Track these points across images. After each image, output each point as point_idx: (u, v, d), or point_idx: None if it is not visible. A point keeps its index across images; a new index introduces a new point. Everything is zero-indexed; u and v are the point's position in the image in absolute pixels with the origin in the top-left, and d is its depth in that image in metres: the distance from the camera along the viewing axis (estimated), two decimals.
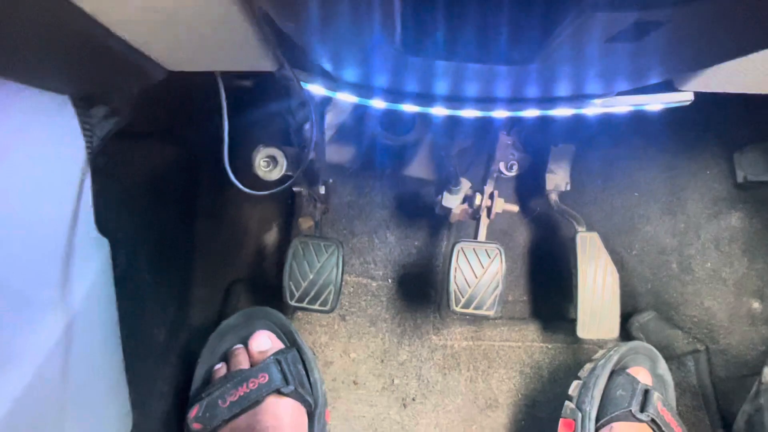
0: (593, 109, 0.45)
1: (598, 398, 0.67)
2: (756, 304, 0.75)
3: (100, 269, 0.53)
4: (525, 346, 0.85)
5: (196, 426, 0.63)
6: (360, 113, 0.79)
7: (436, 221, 0.90)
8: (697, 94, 0.46)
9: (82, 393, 0.53)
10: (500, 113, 0.45)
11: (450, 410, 0.81)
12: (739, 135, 0.75)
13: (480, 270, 0.71)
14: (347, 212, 0.90)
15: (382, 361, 0.84)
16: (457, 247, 0.72)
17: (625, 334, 0.80)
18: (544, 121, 0.71)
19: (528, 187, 0.89)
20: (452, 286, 0.71)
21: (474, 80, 0.37)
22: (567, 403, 0.69)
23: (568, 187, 0.82)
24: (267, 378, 0.63)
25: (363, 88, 0.44)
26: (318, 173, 0.69)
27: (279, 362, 0.65)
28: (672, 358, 0.79)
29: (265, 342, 0.69)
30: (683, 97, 0.45)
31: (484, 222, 0.75)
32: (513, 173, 0.85)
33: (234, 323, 0.72)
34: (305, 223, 0.84)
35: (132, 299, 0.66)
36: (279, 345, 0.69)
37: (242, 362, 0.67)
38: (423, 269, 0.89)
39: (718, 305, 0.76)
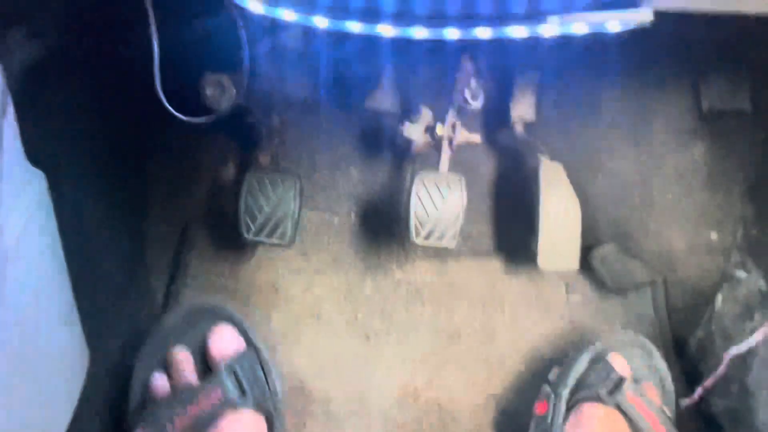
0: (549, 28, 0.43)
1: (573, 382, 0.67)
2: (714, 235, 0.75)
3: (35, 203, 0.50)
4: (488, 279, 0.85)
5: None
6: (314, 40, 0.75)
7: (400, 155, 0.88)
8: (661, 20, 0.44)
9: (28, 333, 0.51)
10: (451, 33, 0.43)
11: (413, 344, 0.82)
12: (704, 63, 0.74)
13: (441, 201, 0.70)
14: (308, 146, 0.87)
15: (346, 296, 0.84)
16: (418, 178, 0.71)
17: (587, 266, 0.81)
18: (507, 46, 0.68)
19: (493, 118, 0.87)
20: (413, 219, 0.70)
21: None
22: (544, 386, 0.70)
23: (534, 118, 0.80)
24: (221, 394, 0.57)
25: (302, 4, 0.41)
26: (271, 105, 0.66)
27: (233, 371, 0.59)
28: (630, 288, 0.81)
29: (227, 338, 0.62)
30: (642, 15, 0.42)
31: (445, 152, 0.74)
32: (478, 103, 0.82)
33: (175, 322, 0.65)
34: (263, 159, 0.81)
35: (81, 234, 0.64)
36: (240, 343, 0.63)
37: (186, 369, 0.60)
38: (387, 204, 0.88)
39: (678, 236, 0.76)
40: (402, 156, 0.88)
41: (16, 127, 0.46)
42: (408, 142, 0.74)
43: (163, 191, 0.80)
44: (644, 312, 0.81)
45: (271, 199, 0.68)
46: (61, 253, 0.56)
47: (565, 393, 0.66)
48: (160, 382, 0.60)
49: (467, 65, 0.71)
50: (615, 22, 0.43)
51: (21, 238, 0.48)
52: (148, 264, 0.77)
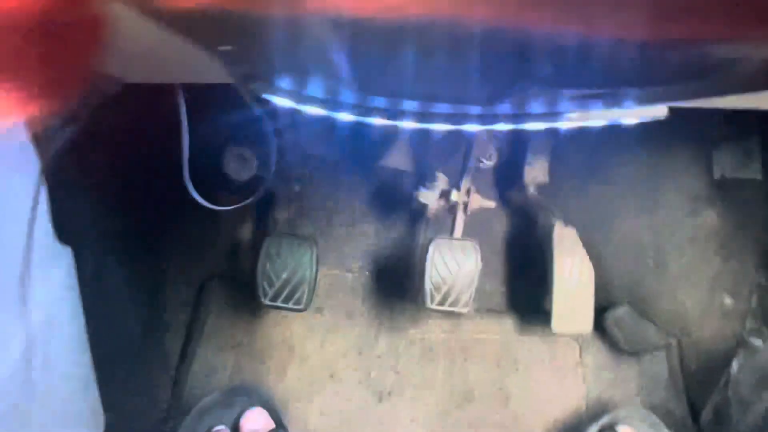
0: (567, 124, 0.44)
1: None
2: (728, 300, 0.75)
3: (63, 278, 0.51)
4: (502, 338, 0.85)
5: None
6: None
7: (414, 213, 0.89)
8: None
9: (48, 402, 0.52)
10: (472, 127, 0.44)
11: (427, 403, 0.82)
12: (717, 132, 0.75)
13: (455, 267, 0.71)
14: (325, 203, 0.88)
15: (359, 354, 0.84)
16: (433, 244, 0.71)
17: (600, 329, 0.81)
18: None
19: (506, 178, 0.88)
20: (427, 284, 0.70)
21: (442, 105, 0.35)
22: None
23: (547, 180, 0.81)
24: None
25: (328, 103, 0.42)
26: (291, 172, 0.67)
27: None
28: (645, 351, 0.80)
29: (258, 421, 0.68)
30: (657, 111, 0.44)
31: (460, 218, 0.75)
32: (491, 164, 0.84)
33: (215, 401, 0.70)
34: (281, 217, 0.83)
35: (103, 302, 0.65)
36: (269, 424, 0.68)
37: None
38: (400, 261, 0.88)
39: (692, 300, 0.76)
40: (415, 215, 0.89)
41: (47, 209, 0.47)
42: (423, 206, 0.75)
43: (181, 252, 0.81)
44: (659, 375, 0.81)
45: (289, 265, 0.70)
46: (83, 321, 0.57)
47: None
48: None
49: (483, 134, 0.72)
50: (631, 118, 0.44)
51: (48, 314, 0.49)
52: (165, 324, 0.78)
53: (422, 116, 0.43)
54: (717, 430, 0.76)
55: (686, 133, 0.76)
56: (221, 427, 0.68)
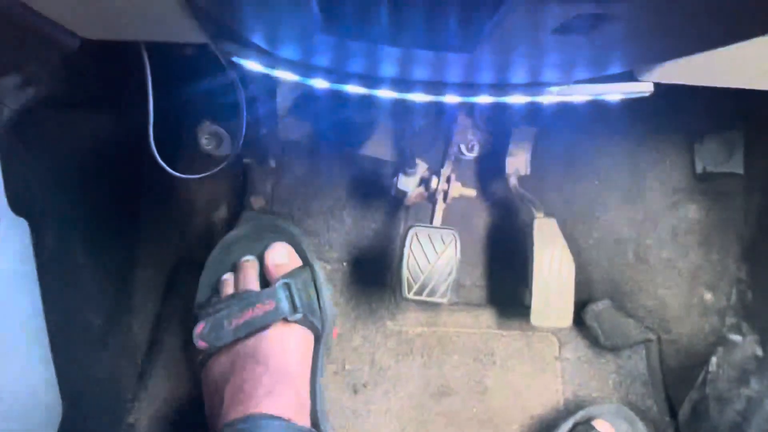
0: (549, 98, 0.43)
1: None
2: (708, 295, 0.75)
3: (15, 253, 0.48)
4: (480, 332, 0.83)
5: (201, 344, 0.62)
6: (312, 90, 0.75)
7: (393, 203, 0.87)
8: (657, 84, 0.44)
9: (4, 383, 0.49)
10: (451, 98, 0.42)
11: (402, 396, 0.80)
12: (699, 125, 0.74)
13: (434, 256, 0.69)
14: (302, 191, 0.86)
15: (335, 345, 0.82)
16: (411, 231, 0.70)
17: (580, 323, 0.80)
18: (504, 103, 0.68)
19: (488, 169, 0.87)
20: (404, 273, 0.69)
21: (416, 64, 0.34)
22: None
23: (528, 171, 0.80)
24: (274, 305, 0.62)
25: (303, 67, 0.40)
26: (267, 148, 0.65)
27: (288, 287, 0.63)
28: (624, 346, 0.79)
29: (282, 255, 0.67)
30: (643, 87, 0.43)
31: (440, 206, 0.73)
32: (474, 154, 0.82)
33: (242, 234, 0.69)
34: (257, 203, 0.80)
35: (63, 283, 0.62)
36: (295, 259, 0.67)
37: (251, 276, 0.65)
38: (379, 252, 0.86)
39: (672, 295, 0.76)
40: (395, 204, 0.87)
41: (1, 177, 0.45)
42: (402, 193, 0.73)
43: (151, 233, 0.78)
44: (637, 371, 0.80)
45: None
46: (39, 299, 0.54)
47: None
48: (227, 282, 0.66)
49: (464, 120, 0.71)
50: (615, 94, 0.43)
51: (5, 286, 0.46)
52: (132, 310, 0.75)
53: (400, 83, 0.41)
54: (695, 427, 0.75)
55: (668, 126, 0.76)
56: (250, 257, 0.67)
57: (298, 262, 0.67)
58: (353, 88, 0.42)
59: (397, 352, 0.83)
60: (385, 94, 0.42)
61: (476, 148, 0.82)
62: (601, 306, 0.79)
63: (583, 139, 0.82)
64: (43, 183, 0.57)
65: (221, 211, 0.84)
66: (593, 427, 0.68)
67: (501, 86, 0.41)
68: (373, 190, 0.88)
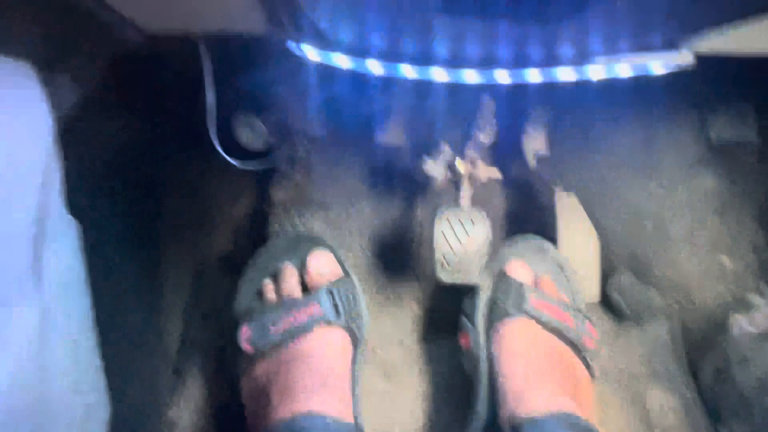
0: (597, 72, 0.44)
1: (483, 306, 0.70)
2: (728, 261, 0.77)
3: (72, 253, 0.49)
4: None
5: (247, 347, 0.62)
6: (332, 80, 0.76)
7: (412, 190, 0.88)
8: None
9: (59, 385, 0.49)
10: (503, 77, 0.43)
11: (434, 378, 0.81)
12: (710, 96, 0.76)
13: (465, 238, 0.70)
14: (322, 183, 0.87)
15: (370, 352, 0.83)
16: (441, 214, 0.71)
17: (603, 296, 0.82)
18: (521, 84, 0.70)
19: (505, 152, 0.88)
20: (437, 256, 0.70)
21: (482, 42, 0.35)
22: (461, 317, 0.72)
23: (547, 151, 0.81)
24: (319, 309, 0.63)
25: (358, 50, 0.41)
26: (298, 136, 0.66)
27: (331, 293, 0.65)
28: (648, 316, 0.81)
29: (324, 263, 0.68)
30: (684, 58, 0.44)
31: (466, 188, 0.74)
32: (489, 136, 0.84)
33: (282, 245, 0.71)
34: (279, 194, 0.81)
35: (103, 282, 0.62)
36: (337, 269, 0.69)
37: (292, 283, 0.67)
38: (401, 238, 0.87)
39: (692, 264, 0.78)
40: (414, 192, 0.88)
41: (59, 175, 0.45)
42: (428, 179, 0.74)
43: (179, 233, 0.78)
44: (661, 339, 0.82)
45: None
46: (89, 303, 0.55)
47: (479, 319, 0.69)
48: (269, 288, 0.67)
49: (489, 104, 0.72)
50: (658, 65, 0.44)
51: (58, 291, 0.46)
52: (164, 308, 0.75)
53: (454, 64, 0.42)
54: (718, 390, 0.78)
55: (681, 98, 0.78)
56: (289, 264, 0.69)
57: (339, 271, 0.69)
58: (407, 70, 0.43)
59: (426, 334, 0.84)
60: (439, 74, 0.43)
61: (493, 131, 0.83)
62: (623, 278, 0.81)
63: (596, 117, 0.84)
64: (82, 184, 0.57)
65: (243, 207, 0.84)
66: (507, 275, 0.70)
67: (550, 60, 0.42)
68: (392, 178, 0.89)
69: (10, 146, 0.38)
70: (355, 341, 0.67)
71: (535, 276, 0.71)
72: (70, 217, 0.48)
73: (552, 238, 0.77)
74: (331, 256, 0.69)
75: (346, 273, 0.69)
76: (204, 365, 0.76)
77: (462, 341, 0.71)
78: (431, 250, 0.70)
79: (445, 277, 0.70)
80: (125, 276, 0.69)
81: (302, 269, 0.68)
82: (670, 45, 0.43)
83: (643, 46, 0.41)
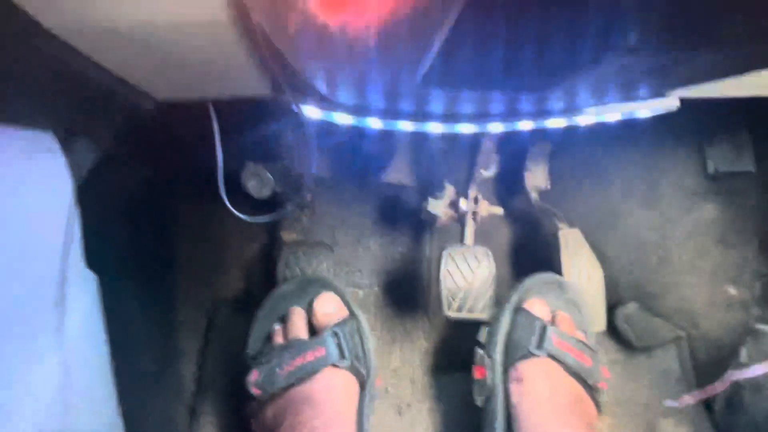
0: (586, 119, 0.46)
1: (502, 341, 0.69)
2: (732, 290, 0.78)
3: (90, 305, 0.51)
4: None
5: (255, 391, 0.64)
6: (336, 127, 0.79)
7: (418, 226, 0.90)
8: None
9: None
10: (495, 127, 0.46)
11: (446, 413, 0.82)
12: (707, 127, 0.78)
13: (470, 274, 0.72)
14: (329, 223, 0.89)
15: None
16: (446, 252, 0.72)
17: (611, 327, 0.82)
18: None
19: (507, 186, 0.90)
20: (444, 291, 0.71)
21: (476, 101, 0.37)
22: (477, 349, 0.71)
23: (548, 186, 0.83)
24: (324, 352, 0.64)
25: (358, 109, 0.44)
26: (304, 182, 0.68)
27: (337, 335, 0.66)
28: (656, 346, 0.82)
29: (330, 305, 0.69)
30: (669, 103, 0.46)
31: (470, 226, 0.76)
32: (491, 173, 0.86)
33: (291, 289, 0.72)
34: (288, 236, 0.83)
35: (119, 330, 0.64)
36: (342, 310, 0.70)
37: (300, 325, 0.68)
38: (409, 275, 0.89)
39: (697, 293, 0.79)
40: (419, 228, 0.90)
41: (78, 231, 0.47)
42: (432, 217, 0.76)
43: (191, 277, 0.81)
44: (670, 369, 0.82)
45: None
46: (107, 352, 0.57)
47: (498, 355, 0.68)
48: (278, 333, 0.68)
49: (488, 143, 0.74)
50: (645, 111, 0.46)
51: (78, 343, 0.48)
52: (179, 351, 0.77)
53: (448, 118, 0.44)
54: (731, 419, 0.78)
55: (678, 131, 0.80)
56: (297, 307, 0.70)
57: (345, 312, 0.70)
58: (404, 125, 0.45)
59: (436, 370, 0.85)
60: (435, 128, 0.45)
61: (493, 168, 0.85)
62: (629, 308, 0.82)
63: (596, 151, 0.86)
64: (97, 235, 0.59)
65: (254, 249, 0.87)
66: (526, 311, 0.69)
67: (542, 113, 0.44)
68: (397, 215, 0.91)
69: (34, 211, 0.41)
70: (362, 382, 0.67)
71: (552, 313, 0.71)
72: (88, 271, 0.51)
73: (557, 272, 0.78)
74: (336, 298, 0.70)
75: (353, 313, 0.70)
76: (219, 406, 0.78)
77: (476, 373, 0.70)
78: (438, 288, 0.72)
79: (452, 314, 0.71)
80: (143, 322, 0.71)
81: (310, 312, 0.69)
82: (656, 94, 0.45)
83: (629, 97, 0.43)
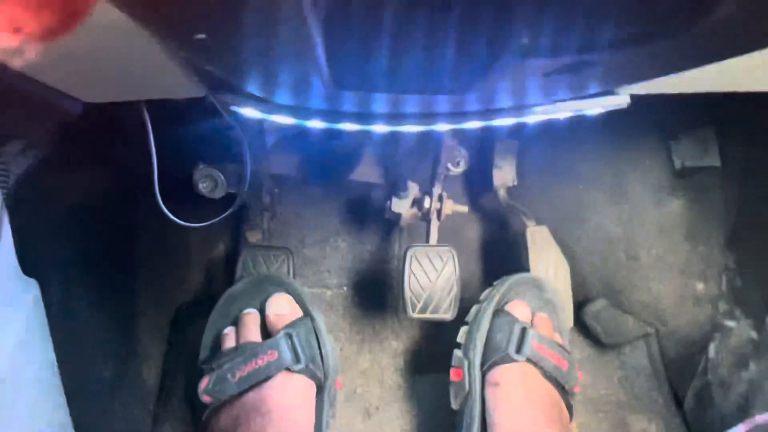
0: (534, 117, 0.45)
1: (481, 344, 0.67)
2: (700, 286, 0.77)
3: (30, 313, 0.49)
4: None
5: (206, 398, 0.62)
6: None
7: (387, 224, 0.89)
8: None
9: None
10: (442, 127, 0.44)
11: (416, 415, 0.81)
12: (672, 123, 0.77)
13: (434, 274, 0.71)
14: (296, 222, 0.88)
15: (343, 371, 0.83)
16: (409, 252, 0.71)
17: (580, 324, 0.82)
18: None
19: (475, 184, 0.89)
20: (407, 293, 0.70)
21: (412, 103, 0.36)
22: (455, 350, 0.70)
23: (515, 182, 0.82)
24: (277, 355, 0.62)
25: (298, 110, 0.42)
26: (260, 184, 0.67)
27: (290, 337, 0.63)
28: (625, 342, 0.81)
29: (283, 305, 0.67)
30: (620, 100, 0.45)
31: (434, 225, 0.75)
32: (460, 170, 0.85)
33: (244, 288, 0.70)
34: (253, 237, 0.81)
35: (71, 337, 0.63)
36: (296, 310, 0.68)
37: (252, 328, 0.66)
38: (378, 274, 0.88)
39: (665, 289, 0.78)
40: (389, 226, 0.89)
41: (11, 241, 0.45)
42: (396, 216, 0.75)
43: (151, 278, 0.79)
44: (640, 365, 0.82)
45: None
46: (54, 362, 0.55)
47: (477, 358, 0.67)
48: (229, 336, 0.66)
49: (451, 140, 0.73)
50: (595, 108, 0.45)
51: (16, 354, 0.47)
52: (140, 357, 0.75)
53: (393, 118, 0.43)
54: (701, 415, 0.77)
55: (644, 126, 0.79)
56: (251, 309, 0.67)
57: (299, 313, 0.67)
58: (348, 126, 0.44)
59: (406, 370, 0.84)
60: (379, 128, 0.44)
61: (462, 164, 0.84)
62: (598, 305, 0.81)
63: (563, 148, 0.85)
64: (45, 241, 0.58)
65: (218, 250, 0.85)
66: (507, 312, 0.68)
67: (489, 112, 0.43)
68: (365, 214, 0.89)
69: None
70: (320, 386, 0.65)
71: (532, 313, 0.70)
72: (26, 278, 0.49)
73: (524, 269, 0.77)
74: (288, 297, 0.68)
75: (308, 313, 0.67)
76: (182, 413, 0.76)
77: (453, 375, 0.69)
78: (401, 288, 0.70)
79: (416, 314, 0.70)
80: (99, 328, 0.69)
81: (263, 313, 0.67)
82: (605, 92, 0.44)
83: (577, 95, 0.42)
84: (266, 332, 0.66)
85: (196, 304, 0.81)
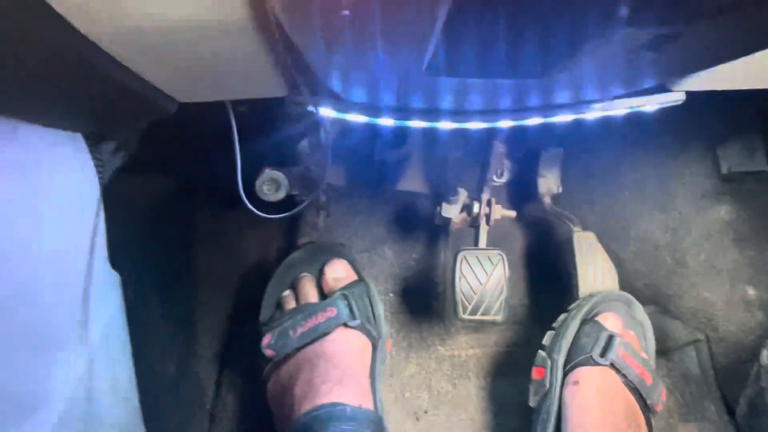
0: (593, 114, 0.47)
1: (567, 346, 0.69)
2: (751, 291, 0.77)
3: (114, 304, 0.52)
4: (530, 350, 0.86)
5: (269, 352, 0.66)
6: (350, 132, 0.81)
7: (432, 232, 0.91)
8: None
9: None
10: (505, 123, 0.47)
11: (463, 419, 0.82)
12: (720, 129, 0.78)
13: (484, 276, 0.73)
14: (344, 231, 0.91)
15: (391, 375, 0.85)
16: (460, 255, 0.73)
17: None
18: (533, 127, 0.73)
19: (520, 192, 0.91)
20: (458, 295, 0.72)
21: (484, 94, 0.38)
22: (540, 351, 0.72)
23: (560, 190, 0.84)
24: (336, 312, 0.67)
25: (371, 108, 0.45)
26: (319, 183, 0.70)
27: (346, 297, 0.68)
28: (674, 349, 0.81)
29: (340, 270, 0.72)
30: (676, 97, 0.47)
31: (483, 229, 0.77)
32: (503, 180, 0.87)
33: (302, 256, 0.75)
34: (306, 242, 0.84)
35: (141, 332, 0.66)
36: (351, 275, 0.73)
37: (310, 290, 0.71)
38: (423, 281, 0.90)
39: (715, 295, 0.78)
40: (434, 235, 0.91)
41: (104, 232, 0.49)
42: (446, 221, 0.77)
43: (211, 283, 0.82)
44: (689, 372, 0.82)
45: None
46: (130, 353, 0.58)
47: (561, 359, 0.68)
48: (288, 298, 0.71)
49: (499, 147, 0.75)
50: (651, 105, 0.47)
51: (103, 341, 0.50)
52: (198, 356, 0.78)
53: (458, 114, 0.46)
54: (755, 423, 0.76)
55: (689, 132, 0.80)
56: (306, 274, 0.72)
57: (354, 277, 0.73)
58: (416, 123, 0.47)
59: (453, 375, 0.85)
60: (445, 125, 0.47)
61: (506, 174, 0.87)
62: (646, 311, 0.81)
63: (608, 155, 0.86)
64: (122, 239, 0.61)
65: (272, 254, 0.88)
66: (597, 322, 0.69)
67: (550, 107, 0.45)
68: (411, 223, 0.92)
69: (63, 209, 0.43)
70: (374, 342, 0.69)
71: (622, 327, 0.71)
72: (113, 271, 0.52)
73: (571, 275, 0.78)
74: (345, 263, 0.73)
75: (362, 279, 0.72)
76: (238, 412, 0.79)
77: (535, 374, 0.71)
78: (453, 290, 0.72)
79: (467, 316, 0.72)
80: (164, 325, 0.73)
81: (320, 279, 0.72)
82: (661, 88, 0.46)
83: (634, 91, 0.44)
84: (322, 295, 0.71)
85: (250, 304, 0.84)
